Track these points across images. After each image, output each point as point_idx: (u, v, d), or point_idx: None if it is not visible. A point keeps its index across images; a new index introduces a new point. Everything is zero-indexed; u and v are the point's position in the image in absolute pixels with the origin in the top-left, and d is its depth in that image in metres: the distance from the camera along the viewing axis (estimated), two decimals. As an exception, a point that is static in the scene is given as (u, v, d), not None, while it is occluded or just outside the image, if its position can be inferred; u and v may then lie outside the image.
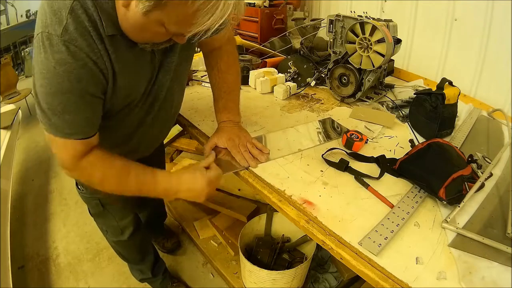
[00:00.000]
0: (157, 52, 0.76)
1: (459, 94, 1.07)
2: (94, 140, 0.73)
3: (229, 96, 0.98)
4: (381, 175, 0.86)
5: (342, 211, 0.75)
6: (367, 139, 1.00)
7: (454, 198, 0.74)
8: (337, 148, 0.96)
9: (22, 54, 4.70)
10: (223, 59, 0.97)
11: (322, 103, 1.29)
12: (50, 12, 0.60)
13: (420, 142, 0.96)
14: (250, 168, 0.89)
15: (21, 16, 5.07)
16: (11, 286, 1.15)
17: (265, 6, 2.20)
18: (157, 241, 1.69)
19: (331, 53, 1.28)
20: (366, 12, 1.27)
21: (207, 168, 0.83)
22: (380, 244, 0.64)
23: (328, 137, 1.03)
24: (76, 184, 1.07)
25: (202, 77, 1.54)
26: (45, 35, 0.60)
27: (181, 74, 0.90)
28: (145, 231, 1.35)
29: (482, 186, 0.79)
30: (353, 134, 0.96)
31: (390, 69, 1.54)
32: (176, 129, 2.21)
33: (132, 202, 1.17)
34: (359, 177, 0.85)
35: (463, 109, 1.24)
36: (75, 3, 0.60)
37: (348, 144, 0.95)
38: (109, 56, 0.66)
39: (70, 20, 0.59)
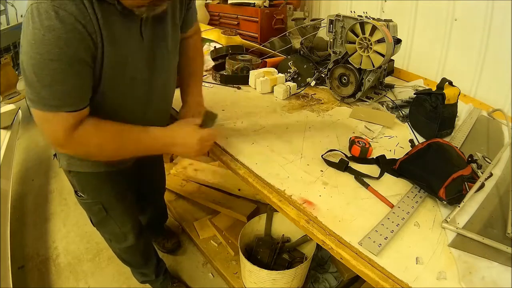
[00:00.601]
0: (146, 24, 0.76)
1: (459, 94, 1.07)
2: (85, 113, 0.72)
3: (196, 80, 1.06)
4: (381, 175, 0.86)
5: (342, 211, 0.75)
6: (369, 142, 0.99)
7: (454, 198, 0.74)
8: (338, 150, 0.96)
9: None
10: (191, 47, 1.04)
11: (322, 103, 1.29)
12: None
13: (420, 142, 0.96)
14: (249, 167, 0.89)
15: (21, 16, 5.07)
16: (11, 286, 1.15)
17: (265, 6, 2.20)
18: (157, 242, 1.69)
19: (331, 53, 1.28)
20: (366, 12, 1.27)
21: (201, 126, 0.86)
22: (380, 244, 0.64)
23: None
24: (76, 192, 1.04)
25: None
26: (34, 6, 0.59)
27: (174, 47, 0.92)
28: (148, 235, 1.34)
29: (482, 186, 0.79)
30: (360, 141, 0.94)
31: (390, 69, 1.54)
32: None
33: (134, 204, 1.18)
34: (359, 177, 0.85)
35: (463, 109, 1.24)
36: None
37: (363, 152, 0.93)
38: (97, 20, 0.65)
39: None
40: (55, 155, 1.00)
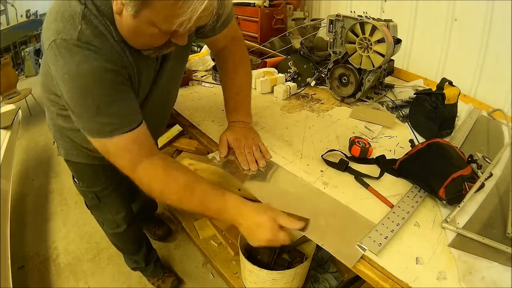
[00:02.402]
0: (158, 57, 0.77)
1: (459, 94, 1.07)
2: (143, 135, 0.70)
3: (238, 97, 0.97)
4: (381, 175, 0.86)
5: (342, 211, 0.74)
6: (369, 142, 0.99)
7: (454, 198, 0.74)
8: (338, 151, 0.96)
9: (22, 54, 4.71)
10: (229, 60, 0.97)
11: (322, 103, 1.29)
12: (62, 20, 0.60)
13: (420, 142, 0.96)
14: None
15: (21, 16, 5.08)
16: (11, 286, 1.15)
17: (265, 6, 2.20)
18: (149, 229, 1.73)
19: (331, 53, 1.28)
20: (366, 12, 1.27)
21: (282, 226, 0.69)
22: (380, 244, 0.64)
23: None
24: (73, 178, 1.10)
25: (202, 77, 1.54)
26: (59, 42, 0.59)
27: (176, 75, 0.91)
28: (139, 223, 1.39)
29: (482, 186, 0.79)
30: (360, 141, 0.94)
31: (390, 69, 1.54)
32: (176, 129, 2.22)
33: (126, 193, 1.21)
34: (359, 177, 0.85)
35: (463, 109, 1.24)
36: (85, 10, 0.60)
37: (363, 152, 0.93)
38: (128, 57, 0.67)
39: (84, 25, 0.60)
40: (54, 142, 1.03)
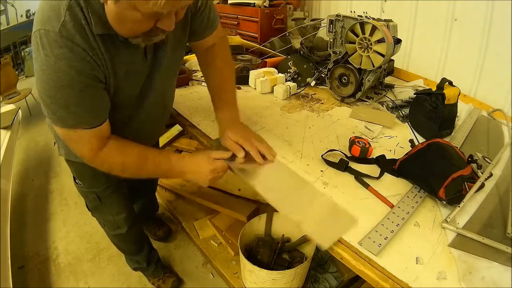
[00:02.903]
0: (148, 51, 0.77)
1: (459, 94, 1.07)
2: (105, 130, 0.75)
3: (228, 92, 0.98)
4: (381, 175, 0.86)
5: (342, 211, 0.74)
6: (369, 142, 0.99)
7: (454, 198, 0.74)
8: (338, 150, 0.96)
9: (22, 54, 4.71)
10: (218, 56, 0.98)
11: (322, 103, 1.29)
12: (48, 9, 0.62)
13: (420, 142, 0.96)
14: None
15: (21, 16, 5.07)
16: (11, 286, 1.15)
17: (265, 6, 2.20)
18: (149, 230, 1.73)
19: (331, 53, 1.28)
20: (366, 12, 1.27)
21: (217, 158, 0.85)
22: (380, 244, 0.64)
23: None
24: (74, 179, 1.10)
25: (202, 77, 1.54)
26: (42, 32, 0.61)
27: (172, 73, 0.92)
28: (140, 224, 1.40)
29: (482, 186, 0.79)
30: (360, 141, 0.94)
31: (390, 69, 1.54)
32: (176, 129, 2.22)
33: (128, 194, 1.21)
34: (359, 177, 0.85)
35: (463, 109, 1.24)
36: (72, 1, 0.61)
37: (363, 152, 0.93)
38: (102, 54, 0.68)
39: (68, 17, 0.61)
40: (55, 142, 1.04)
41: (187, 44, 0.94)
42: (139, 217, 1.41)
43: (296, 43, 1.83)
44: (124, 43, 0.69)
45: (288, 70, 1.48)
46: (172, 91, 1.02)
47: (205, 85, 1.43)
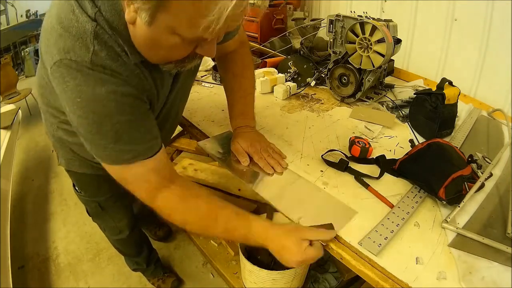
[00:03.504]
0: None
1: (459, 94, 1.07)
2: (163, 164, 0.65)
3: (245, 100, 0.95)
4: (381, 175, 0.86)
5: (342, 211, 0.74)
6: (369, 142, 0.99)
7: (454, 198, 0.74)
8: (338, 150, 0.96)
9: (22, 54, 4.71)
10: (237, 63, 0.93)
11: (322, 103, 1.29)
12: (69, 37, 0.52)
13: (420, 142, 0.96)
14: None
15: (21, 16, 5.08)
16: (11, 286, 1.15)
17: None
18: (149, 230, 1.73)
19: (331, 53, 1.28)
20: (366, 12, 1.27)
21: (310, 242, 0.66)
22: (380, 244, 0.64)
23: None
24: (74, 186, 1.06)
25: (202, 77, 1.54)
26: (67, 62, 0.52)
27: (187, 87, 0.88)
28: (140, 227, 1.39)
29: (482, 186, 0.79)
30: (360, 141, 0.94)
31: (390, 69, 1.54)
32: (176, 129, 2.21)
33: (129, 203, 1.20)
34: (359, 177, 0.85)
35: (463, 109, 1.24)
36: (98, 28, 0.52)
37: (363, 152, 0.93)
38: (146, 79, 0.61)
39: (97, 46, 0.52)
40: (53, 150, 1.01)
41: None
42: (139, 217, 1.41)
43: (296, 43, 1.83)
44: (154, 65, 0.61)
45: (288, 70, 1.48)
46: (185, 101, 0.95)
47: (205, 85, 1.45)
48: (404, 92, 1.41)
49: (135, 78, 0.58)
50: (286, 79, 1.43)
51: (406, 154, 0.89)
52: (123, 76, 0.55)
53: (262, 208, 1.70)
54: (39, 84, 0.71)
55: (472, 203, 0.77)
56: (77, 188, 1.05)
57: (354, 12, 1.28)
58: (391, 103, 1.27)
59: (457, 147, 0.87)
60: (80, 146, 0.69)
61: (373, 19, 1.18)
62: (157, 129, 0.65)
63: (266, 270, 1.19)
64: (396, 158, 0.90)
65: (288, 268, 1.25)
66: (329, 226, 0.69)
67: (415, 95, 1.11)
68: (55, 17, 0.54)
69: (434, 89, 1.06)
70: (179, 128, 2.17)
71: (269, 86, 1.36)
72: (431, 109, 1.03)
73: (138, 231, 1.36)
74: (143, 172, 0.62)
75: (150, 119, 0.63)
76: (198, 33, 0.47)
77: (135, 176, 0.63)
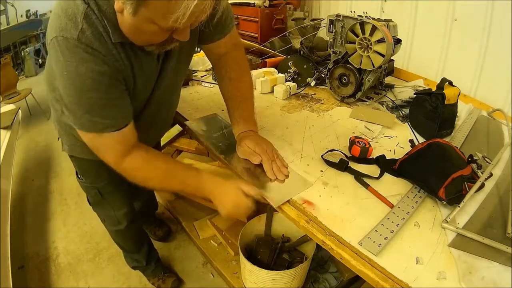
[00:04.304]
0: (161, 55, 0.78)
1: (459, 94, 1.07)
2: (129, 136, 0.75)
3: (244, 105, 0.95)
4: (381, 175, 0.86)
5: (342, 211, 0.75)
6: (369, 142, 0.99)
7: (454, 198, 0.74)
8: (338, 150, 0.96)
9: (22, 54, 4.71)
10: (232, 67, 0.94)
11: (322, 103, 1.29)
12: (65, 17, 0.62)
13: (420, 142, 0.96)
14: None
15: (21, 16, 5.07)
16: (11, 286, 1.15)
17: (265, 6, 2.20)
18: (149, 229, 1.74)
19: (331, 53, 1.28)
20: (366, 12, 1.27)
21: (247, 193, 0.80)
22: (380, 244, 0.64)
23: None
24: (76, 174, 1.11)
25: (202, 77, 1.54)
26: (60, 39, 0.62)
27: (179, 74, 0.91)
28: (140, 222, 1.41)
29: (482, 186, 0.79)
30: (360, 141, 0.94)
31: (390, 69, 1.54)
32: (176, 129, 2.22)
33: (128, 190, 1.22)
34: (359, 177, 0.85)
35: (463, 109, 1.24)
36: (88, 9, 0.62)
37: (363, 152, 0.93)
38: (122, 60, 0.69)
39: (85, 24, 0.62)
40: (59, 138, 1.06)
41: (197, 48, 0.93)
42: (139, 215, 1.42)
43: (296, 43, 1.83)
44: (141, 49, 0.70)
45: (288, 70, 1.48)
46: (178, 92, 1.02)
47: (205, 85, 1.45)
48: (404, 92, 1.41)
49: (112, 58, 0.66)
50: (286, 79, 1.43)
51: (406, 154, 0.89)
52: (102, 55, 0.64)
53: (262, 208, 1.70)
54: (46, 71, 0.83)
55: (472, 203, 0.77)
56: (79, 176, 1.11)
57: (354, 12, 1.28)
58: (391, 103, 1.27)
59: (457, 147, 0.87)
60: None
61: (373, 19, 1.18)
62: (128, 107, 0.74)
63: (266, 270, 1.19)
64: (396, 158, 0.90)
65: (288, 268, 1.25)
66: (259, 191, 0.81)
67: (415, 95, 1.11)
68: (59, 3, 0.64)
69: (434, 89, 1.06)
70: (179, 128, 2.18)
71: (269, 86, 1.36)
72: (431, 109, 1.03)
73: (138, 226, 1.38)
74: (111, 142, 0.73)
75: (122, 98, 0.72)
76: (170, 24, 0.57)
77: (104, 145, 0.74)
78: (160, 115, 0.95)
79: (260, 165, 0.88)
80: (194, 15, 0.56)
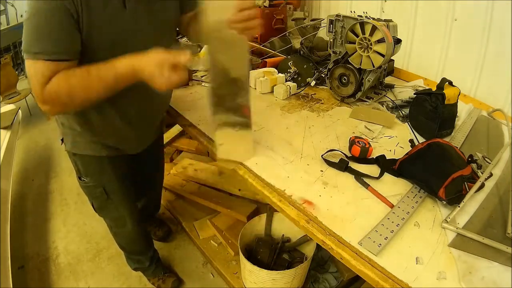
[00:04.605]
0: (128, 1, 0.78)
1: (459, 94, 1.07)
2: (61, 66, 0.75)
3: None
4: (381, 175, 0.86)
5: (342, 211, 0.75)
6: (369, 142, 0.99)
7: (454, 198, 0.74)
8: (338, 150, 0.96)
9: (22, 54, 4.69)
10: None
11: (322, 103, 1.29)
12: None
13: (420, 142, 0.96)
14: (249, 167, 0.89)
15: (21, 16, 5.06)
16: (11, 286, 1.15)
17: (265, 6, 2.20)
18: (149, 229, 1.73)
19: (331, 53, 1.28)
20: (366, 12, 1.27)
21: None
22: (380, 244, 0.64)
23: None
24: (79, 178, 1.11)
25: (202, 77, 1.54)
26: None
27: (165, 24, 0.91)
28: (144, 224, 1.42)
29: (482, 186, 0.79)
30: (360, 141, 0.94)
31: (390, 69, 1.54)
32: (176, 129, 2.22)
33: (132, 189, 1.22)
34: (359, 177, 0.85)
35: (463, 109, 1.24)
36: None
37: (363, 152, 0.93)
38: None
39: None
40: (62, 139, 1.05)
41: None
42: (142, 216, 1.42)
43: (296, 43, 1.83)
44: None
45: (288, 70, 1.48)
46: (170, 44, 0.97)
47: (205, 85, 1.45)
48: (404, 92, 1.41)
49: None
50: (286, 79, 1.43)
51: (406, 154, 0.89)
52: None
53: (262, 208, 1.70)
54: None
55: (472, 203, 0.77)
56: (82, 177, 1.10)
57: (354, 12, 1.28)
58: (391, 103, 1.27)
59: (457, 147, 0.87)
60: (81, 126, 0.80)
61: (373, 19, 1.18)
62: (72, 39, 0.74)
63: (266, 270, 1.19)
64: (396, 158, 0.90)
65: (288, 268, 1.25)
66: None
67: (415, 95, 1.11)
68: None
69: (434, 89, 1.06)
70: (179, 128, 2.18)
71: (269, 86, 1.36)
72: (431, 109, 1.03)
73: (143, 228, 1.38)
74: (42, 69, 0.73)
75: (66, 28, 0.72)
76: None
77: (36, 73, 0.73)
78: (142, 89, 0.81)
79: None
80: None
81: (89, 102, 0.79)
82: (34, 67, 0.73)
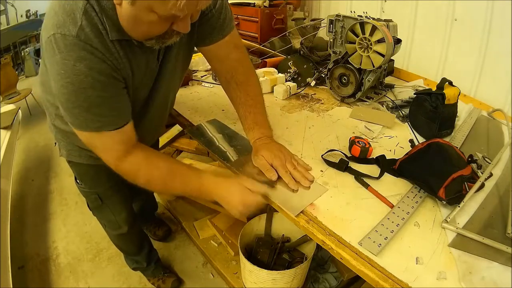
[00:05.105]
0: (160, 53, 0.77)
1: (459, 94, 1.07)
2: (129, 135, 0.73)
3: (256, 109, 0.91)
4: (381, 175, 0.86)
5: (342, 211, 0.75)
6: (369, 142, 0.99)
7: (454, 198, 0.74)
8: (338, 150, 0.96)
9: (22, 54, 4.71)
10: (238, 70, 0.90)
11: (322, 103, 1.29)
12: (63, 13, 0.60)
13: (420, 142, 0.96)
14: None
15: (21, 16, 5.08)
16: (11, 286, 1.15)
17: (265, 6, 2.20)
18: (149, 230, 1.74)
19: (331, 53, 1.28)
20: (366, 12, 1.27)
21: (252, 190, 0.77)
22: (380, 244, 0.64)
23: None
24: (75, 179, 1.10)
25: (202, 77, 1.54)
26: (58, 36, 0.60)
27: (177, 74, 0.90)
28: (140, 224, 1.41)
29: (482, 186, 0.79)
30: (360, 141, 0.94)
31: (390, 69, 1.54)
32: (176, 129, 2.22)
33: (128, 194, 1.22)
34: (359, 177, 0.85)
35: (463, 109, 1.24)
36: (87, 6, 0.60)
37: (363, 152, 0.92)
38: (121, 58, 0.68)
39: (84, 21, 0.60)
40: (56, 143, 1.03)
41: (195, 48, 0.89)
42: (138, 216, 1.42)
43: (296, 43, 1.83)
44: (139, 47, 0.69)
45: (288, 70, 1.48)
46: (175, 92, 1.01)
47: (205, 85, 1.45)
48: (404, 92, 1.41)
49: (110, 56, 0.65)
50: (286, 79, 1.43)
51: (406, 154, 0.89)
52: (101, 52, 0.63)
53: (262, 208, 1.70)
54: (41, 73, 0.80)
55: (472, 203, 0.76)
56: (78, 181, 1.09)
57: (354, 12, 1.28)
58: (391, 103, 1.27)
59: (457, 147, 0.87)
60: (76, 135, 0.74)
61: (373, 19, 1.18)
62: (127, 105, 0.73)
63: (266, 270, 1.19)
64: (396, 158, 0.90)
65: (288, 268, 1.25)
66: (270, 184, 0.81)
67: (415, 95, 1.11)
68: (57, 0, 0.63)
69: (434, 89, 1.06)
70: (179, 128, 2.18)
71: (269, 86, 1.36)
72: (431, 109, 1.03)
73: (138, 229, 1.37)
74: (110, 141, 0.72)
75: (120, 96, 0.70)
76: (169, 8, 0.55)
77: (103, 144, 0.73)
78: (156, 115, 0.93)
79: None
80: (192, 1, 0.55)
81: (162, 193, 0.80)
82: (98, 140, 0.72)
